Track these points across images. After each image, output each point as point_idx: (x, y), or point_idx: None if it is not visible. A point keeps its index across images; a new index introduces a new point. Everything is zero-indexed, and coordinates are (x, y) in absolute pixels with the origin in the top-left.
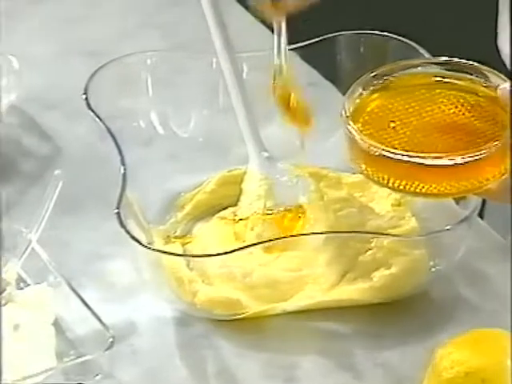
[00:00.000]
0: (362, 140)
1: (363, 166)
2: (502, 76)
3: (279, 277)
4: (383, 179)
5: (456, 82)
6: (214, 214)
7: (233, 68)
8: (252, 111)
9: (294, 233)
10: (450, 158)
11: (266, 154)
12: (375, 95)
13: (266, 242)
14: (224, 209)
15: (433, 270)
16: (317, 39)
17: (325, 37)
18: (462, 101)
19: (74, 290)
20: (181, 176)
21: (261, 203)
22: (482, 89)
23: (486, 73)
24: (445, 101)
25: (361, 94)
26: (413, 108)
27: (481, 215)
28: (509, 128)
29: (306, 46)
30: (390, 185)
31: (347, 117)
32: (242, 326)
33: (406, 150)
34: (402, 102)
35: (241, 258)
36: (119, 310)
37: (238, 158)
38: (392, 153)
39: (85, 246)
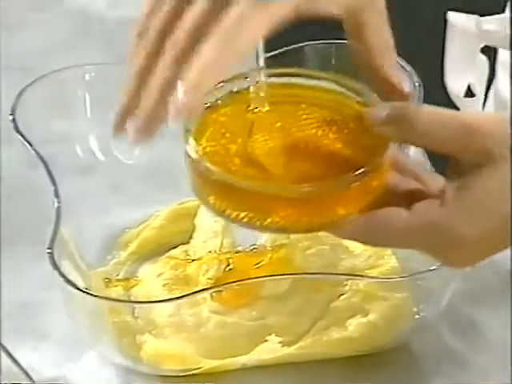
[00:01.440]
0: (199, 161)
1: (198, 190)
2: (376, 96)
3: (238, 326)
4: (221, 209)
5: (324, 96)
6: (162, 254)
7: None
8: None
9: (254, 275)
10: (298, 187)
11: None
12: (224, 109)
13: (222, 285)
14: (174, 247)
15: (416, 316)
16: (281, 50)
17: (291, 47)
18: (328, 119)
19: (0, 344)
20: (124, 209)
21: (217, 241)
22: (356, 106)
23: (360, 90)
24: (307, 118)
25: (207, 106)
26: (266, 125)
27: None
28: (377, 156)
29: (269, 57)
30: (233, 217)
31: (187, 131)
32: None
33: (249, 176)
34: (254, 116)
35: (194, 305)
36: (53, 366)
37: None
38: (230, 178)
39: (13, 291)
